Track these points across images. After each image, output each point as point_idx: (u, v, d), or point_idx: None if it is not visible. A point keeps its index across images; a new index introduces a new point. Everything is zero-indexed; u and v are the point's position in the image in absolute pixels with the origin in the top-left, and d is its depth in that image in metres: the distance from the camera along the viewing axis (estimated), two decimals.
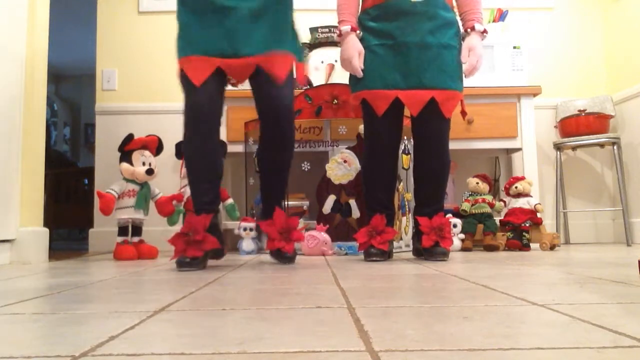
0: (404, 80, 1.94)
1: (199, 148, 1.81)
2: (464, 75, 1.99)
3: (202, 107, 1.78)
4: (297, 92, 2.78)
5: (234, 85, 1.92)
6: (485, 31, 2.01)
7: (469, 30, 2.00)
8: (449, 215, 2.55)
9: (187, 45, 1.79)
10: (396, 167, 2.12)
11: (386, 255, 2.01)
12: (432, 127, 2.00)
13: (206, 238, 1.73)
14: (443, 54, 1.93)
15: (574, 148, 3.20)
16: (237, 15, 1.75)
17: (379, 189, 2.09)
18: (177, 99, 3.01)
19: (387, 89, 1.95)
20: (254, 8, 1.76)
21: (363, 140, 2.07)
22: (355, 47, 1.97)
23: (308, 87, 2.93)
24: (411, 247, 2.63)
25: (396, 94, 1.95)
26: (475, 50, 1.96)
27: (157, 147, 2.53)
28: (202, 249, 1.72)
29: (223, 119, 2.82)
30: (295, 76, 1.89)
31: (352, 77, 2.04)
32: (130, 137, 2.45)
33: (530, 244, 2.59)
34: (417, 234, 2.09)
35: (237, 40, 1.75)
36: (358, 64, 1.96)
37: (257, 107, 1.86)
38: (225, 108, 2.81)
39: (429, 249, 1.97)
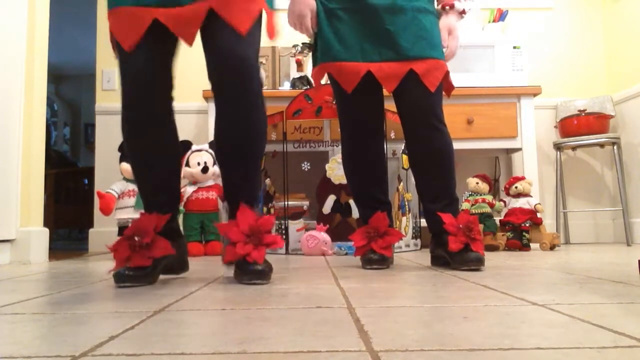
0: (375, 51, 1.62)
1: (140, 137, 1.37)
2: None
3: (136, 79, 1.32)
4: (296, 92, 2.79)
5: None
6: (464, 11, 1.71)
7: (447, 8, 1.69)
8: None
9: None
10: (382, 154, 1.79)
11: (388, 262, 1.68)
12: (418, 104, 1.62)
13: (156, 242, 1.31)
14: (419, 18, 1.61)
15: (574, 148, 3.20)
16: None
17: (368, 182, 1.76)
18: (177, 100, 3.01)
19: (357, 60, 1.62)
20: None
21: (339, 126, 1.79)
22: (307, 1, 1.64)
23: (308, 87, 2.93)
24: (411, 247, 2.64)
25: (368, 67, 1.62)
26: (454, 33, 1.68)
27: None
28: (150, 255, 1.29)
29: None
30: (266, 30, 1.40)
31: (314, 49, 1.74)
32: None
33: (530, 244, 2.59)
34: (437, 237, 1.67)
35: None
36: (310, 23, 1.64)
37: (209, 66, 1.32)
38: None
39: (458, 254, 1.54)
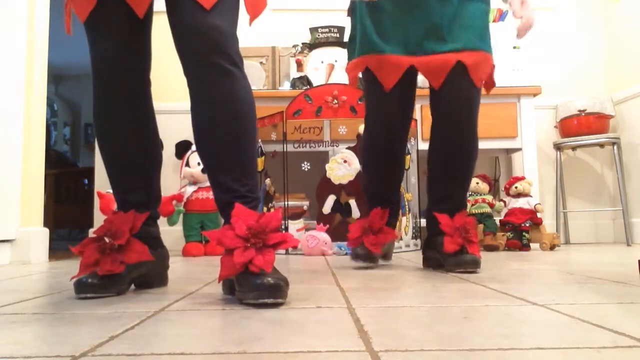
0: (419, 43, 1.54)
1: (110, 126, 1.19)
2: (517, 34, 1.55)
3: (103, 62, 1.16)
4: (296, 92, 2.79)
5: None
6: None
7: None
8: None
9: None
10: (403, 155, 1.75)
11: (375, 260, 1.65)
12: (460, 97, 1.53)
13: (132, 244, 1.12)
14: (467, 7, 1.53)
15: (574, 148, 3.20)
16: None
17: (382, 182, 1.73)
18: (177, 99, 3.02)
19: (398, 54, 1.55)
20: None
21: (364, 123, 1.74)
22: None
23: (308, 87, 2.93)
24: (411, 247, 2.64)
25: (410, 61, 1.55)
26: (528, 3, 1.52)
27: None
28: (122, 260, 1.10)
29: None
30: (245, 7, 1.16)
31: (351, 40, 1.67)
32: None
33: (530, 244, 2.59)
34: (432, 237, 1.61)
35: None
36: None
37: (177, 47, 1.12)
38: None
39: (452, 256, 1.47)
